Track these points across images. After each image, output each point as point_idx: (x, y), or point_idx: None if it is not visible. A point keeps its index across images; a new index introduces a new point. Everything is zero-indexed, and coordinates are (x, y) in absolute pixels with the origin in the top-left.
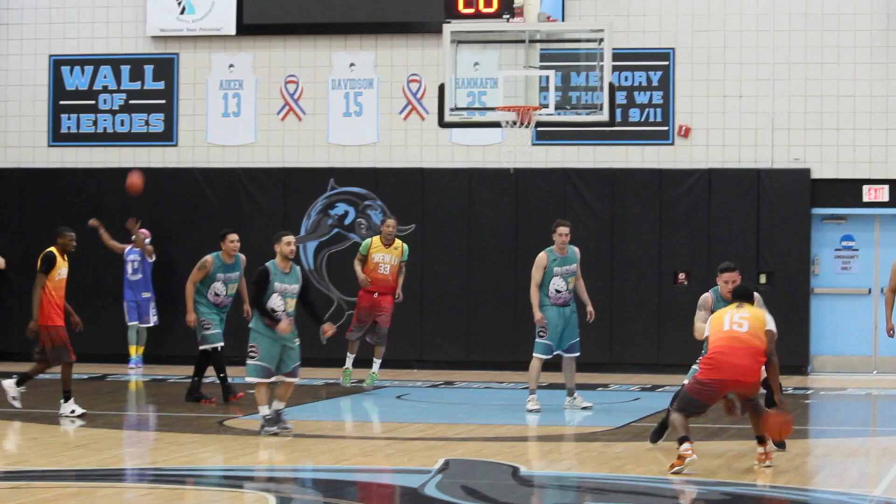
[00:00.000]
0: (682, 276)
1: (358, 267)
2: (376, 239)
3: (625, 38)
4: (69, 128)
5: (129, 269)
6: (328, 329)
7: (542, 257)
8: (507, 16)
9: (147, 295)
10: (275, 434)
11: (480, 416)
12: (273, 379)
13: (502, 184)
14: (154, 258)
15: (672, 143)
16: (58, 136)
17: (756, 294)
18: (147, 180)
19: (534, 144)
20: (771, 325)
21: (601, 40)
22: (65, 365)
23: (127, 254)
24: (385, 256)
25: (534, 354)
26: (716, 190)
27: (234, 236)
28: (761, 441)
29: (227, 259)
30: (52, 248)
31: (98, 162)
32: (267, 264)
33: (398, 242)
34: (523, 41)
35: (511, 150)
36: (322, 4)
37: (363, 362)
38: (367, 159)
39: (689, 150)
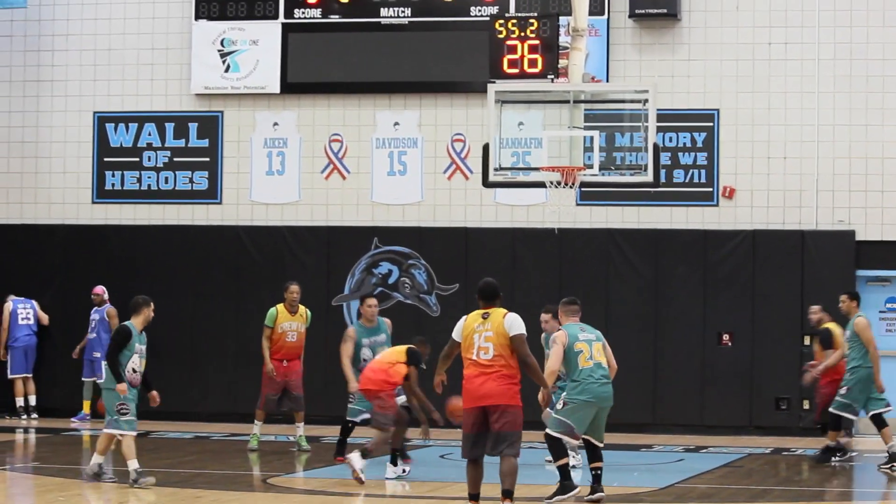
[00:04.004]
0: (725, 337)
1: (266, 349)
2: (280, 307)
3: (669, 99)
4: (113, 184)
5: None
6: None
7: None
8: (552, 76)
9: (98, 354)
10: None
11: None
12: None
13: (546, 244)
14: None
15: (716, 205)
16: (102, 193)
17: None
18: (190, 238)
19: (578, 204)
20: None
21: (646, 101)
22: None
23: (92, 312)
24: (292, 324)
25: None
26: (760, 251)
27: (372, 301)
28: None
29: (367, 324)
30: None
31: (142, 219)
32: (126, 323)
33: (302, 309)
34: (567, 101)
35: (555, 210)
36: (366, 63)
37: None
38: (411, 218)
39: (734, 211)
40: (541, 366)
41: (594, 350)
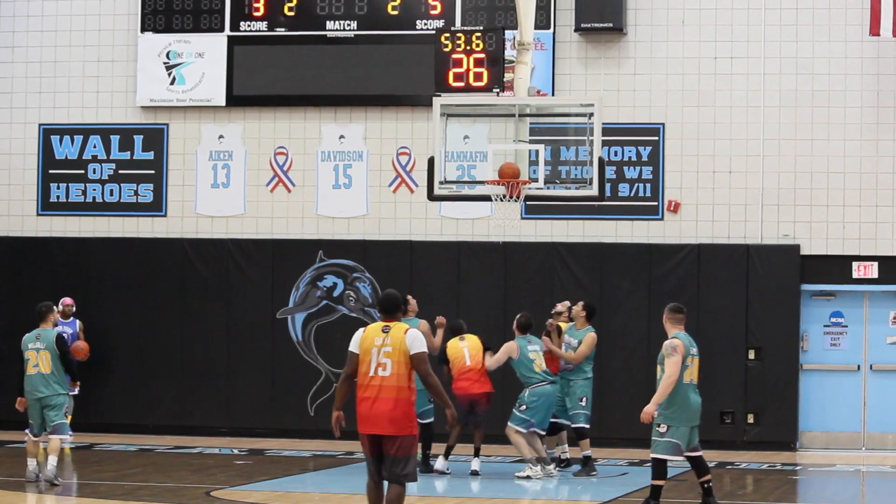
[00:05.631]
0: None
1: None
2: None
3: (615, 113)
4: (58, 197)
5: None
6: None
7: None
8: (498, 90)
9: None
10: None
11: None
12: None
13: (491, 257)
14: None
15: (661, 219)
16: (47, 206)
17: None
18: (136, 250)
19: (523, 218)
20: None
21: (591, 115)
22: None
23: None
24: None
25: None
26: (705, 266)
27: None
28: None
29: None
30: None
31: (87, 231)
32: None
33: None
34: (513, 115)
35: (500, 223)
36: (312, 76)
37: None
38: (356, 231)
39: (679, 225)
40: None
41: (696, 366)
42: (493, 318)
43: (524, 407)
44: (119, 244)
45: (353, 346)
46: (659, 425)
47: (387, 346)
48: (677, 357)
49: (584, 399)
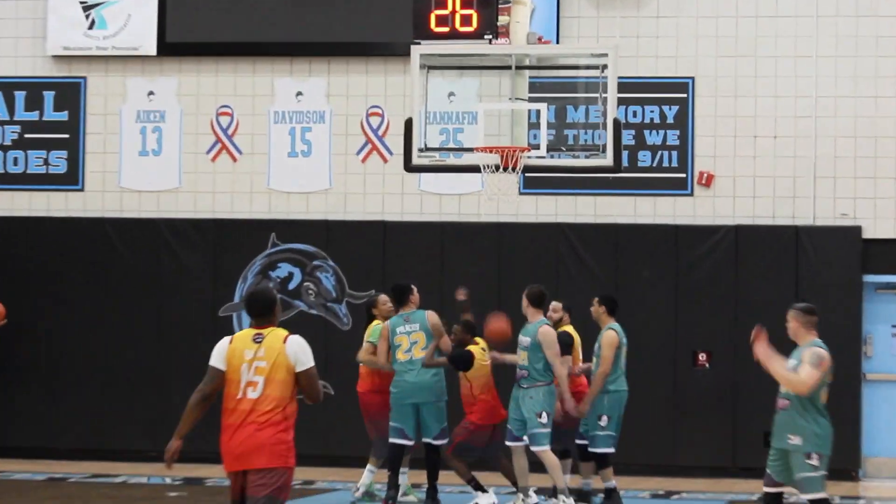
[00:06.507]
0: (702, 356)
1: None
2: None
3: (633, 65)
4: None
5: None
6: None
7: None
8: (490, 36)
9: None
10: None
11: None
12: None
13: (482, 242)
14: None
15: (691, 194)
16: None
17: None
18: (45, 233)
19: (521, 193)
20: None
21: (604, 67)
22: None
23: None
24: None
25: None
26: (744, 252)
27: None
28: None
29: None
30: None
31: None
32: None
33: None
34: (509, 67)
35: (493, 200)
36: (263, 20)
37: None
38: (317, 210)
39: (712, 202)
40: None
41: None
42: (483, 314)
43: (545, 416)
44: (24, 225)
45: (216, 360)
46: (809, 456)
47: (260, 359)
48: (819, 373)
49: (605, 418)
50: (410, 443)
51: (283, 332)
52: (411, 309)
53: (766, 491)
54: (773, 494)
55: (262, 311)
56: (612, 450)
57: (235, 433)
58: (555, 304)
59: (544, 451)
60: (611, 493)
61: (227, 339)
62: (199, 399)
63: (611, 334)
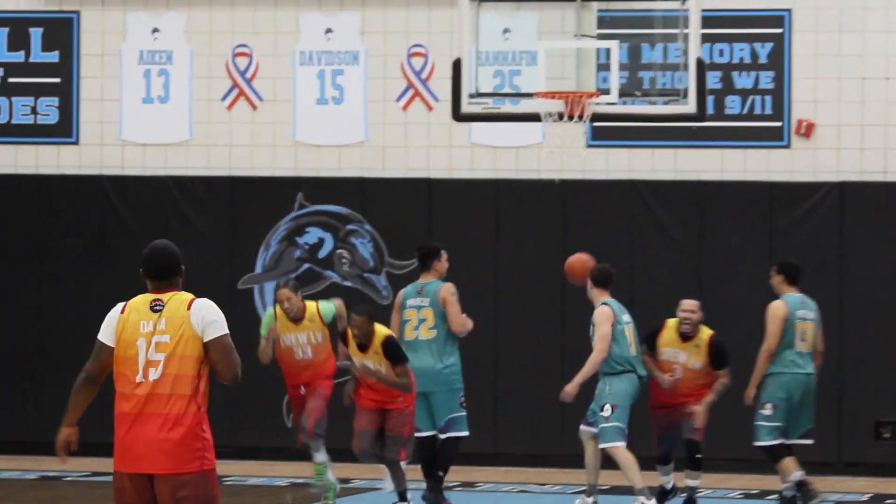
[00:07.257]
0: None
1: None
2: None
3: None
4: None
5: None
6: None
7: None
8: None
9: None
10: None
11: None
12: None
13: (543, 201)
14: None
15: (788, 146)
16: None
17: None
18: (34, 193)
19: (588, 146)
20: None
21: None
22: None
23: None
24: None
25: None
26: (850, 213)
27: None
28: None
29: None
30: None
31: None
32: None
33: (311, 310)
34: None
35: (556, 153)
36: None
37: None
38: (351, 165)
39: (813, 155)
40: None
41: None
42: (545, 287)
43: (608, 409)
44: (7, 184)
45: (104, 334)
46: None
47: (161, 333)
48: None
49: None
50: (429, 434)
51: (187, 297)
52: (431, 278)
53: None
54: None
55: (162, 272)
56: (775, 441)
57: (133, 426)
58: (690, 303)
59: (614, 447)
60: (800, 486)
61: (119, 306)
62: (83, 380)
63: (777, 304)
